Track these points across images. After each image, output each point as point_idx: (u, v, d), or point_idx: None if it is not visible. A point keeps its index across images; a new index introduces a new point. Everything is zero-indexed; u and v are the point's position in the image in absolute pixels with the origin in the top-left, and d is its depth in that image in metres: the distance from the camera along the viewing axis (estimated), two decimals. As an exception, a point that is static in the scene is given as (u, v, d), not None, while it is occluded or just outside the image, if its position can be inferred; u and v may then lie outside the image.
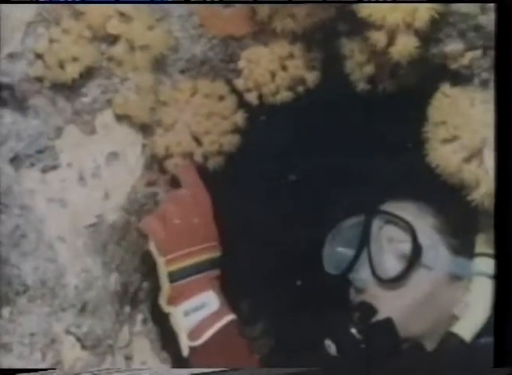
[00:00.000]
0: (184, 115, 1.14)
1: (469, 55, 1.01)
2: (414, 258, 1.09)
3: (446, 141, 1.00)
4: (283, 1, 1.09)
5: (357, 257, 1.14)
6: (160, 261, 1.09)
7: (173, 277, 1.09)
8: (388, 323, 1.09)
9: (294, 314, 1.32)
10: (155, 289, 1.14)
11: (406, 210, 1.13)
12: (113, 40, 1.10)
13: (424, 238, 1.10)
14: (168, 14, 1.13)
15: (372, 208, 1.15)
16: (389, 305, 1.11)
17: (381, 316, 1.10)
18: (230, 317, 1.09)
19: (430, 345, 1.12)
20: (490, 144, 0.98)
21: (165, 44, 1.11)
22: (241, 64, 1.17)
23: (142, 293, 1.19)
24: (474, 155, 0.99)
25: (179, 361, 1.13)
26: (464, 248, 1.11)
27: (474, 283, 1.10)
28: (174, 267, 1.08)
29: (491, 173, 0.98)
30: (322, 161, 1.30)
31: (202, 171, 1.15)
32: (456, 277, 1.11)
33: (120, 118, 1.12)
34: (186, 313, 1.08)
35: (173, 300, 1.09)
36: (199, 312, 1.08)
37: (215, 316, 1.08)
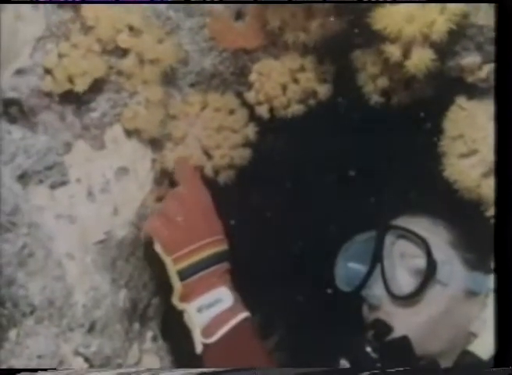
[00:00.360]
0: (194, 129, 1.13)
1: (486, 68, 0.99)
2: (428, 274, 1.07)
3: (463, 155, 0.98)
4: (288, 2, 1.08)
5: (370, 273, 1.12)
6: (167, 260, 1.07)
7: (183, 275, 1.07)
8: (404, 341, 1.07)
9: (305, 332, 1.30)
10: (167, 292, 1.11)
11: (420, 225, 1.11)
12: (123, 53, 1.08)
13: (439, 254, 1.08)
14: (178, 27, 1.12)
15: (385, 222, 1.13)
16: (404, 322, 1.09)
17: (396, 333, 1.08)
18: (245, 314, 1.07)
19: (446, 364, 1.09)
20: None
21: (174, 58, 1.10)
22: (252, 77, 1.16)
23: (151, 309, 1.17)
24: (493, 169, 0.97)
25: (190, 363, 1.09)
26: (480, 264, 1.09)
27: (491, 299, 1.08)
28: (182, 265, 1.07)
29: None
30: (336, 174, 1.29)
31: (212, 185, 1.13)
32: (472, 293, 1.09)
33: (129, 132, 1.10)
34: (200, 309, 1.06)
35: (186, 297, 1.07)
36: (213, 309, 1.06)
37: (230, 312, 1.06)
